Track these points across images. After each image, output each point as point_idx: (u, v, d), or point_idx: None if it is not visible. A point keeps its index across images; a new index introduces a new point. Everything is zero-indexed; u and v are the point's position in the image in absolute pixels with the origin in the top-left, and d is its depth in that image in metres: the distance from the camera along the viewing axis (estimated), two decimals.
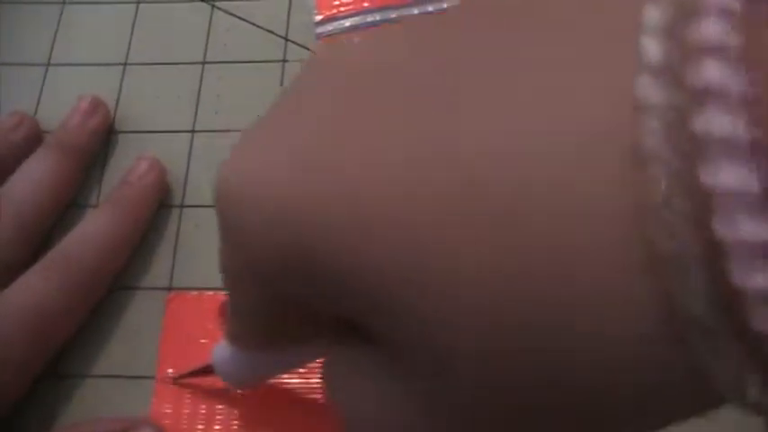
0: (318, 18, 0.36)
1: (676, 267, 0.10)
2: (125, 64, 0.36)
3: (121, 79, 0.36)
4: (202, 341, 0.29)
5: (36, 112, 0.35)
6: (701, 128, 0.09)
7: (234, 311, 0.19)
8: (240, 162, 0.15)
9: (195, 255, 0.31)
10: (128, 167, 0.32)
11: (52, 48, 0.37)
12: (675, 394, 0.11)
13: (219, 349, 0.23)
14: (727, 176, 0.09)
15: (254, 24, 0.37)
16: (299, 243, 0.13)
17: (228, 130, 0.34)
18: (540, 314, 0.11)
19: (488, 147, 0.11)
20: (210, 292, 0.30)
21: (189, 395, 0.29)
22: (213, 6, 0.37)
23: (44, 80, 0.36)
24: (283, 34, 0.36)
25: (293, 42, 0.36)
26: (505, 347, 0.11)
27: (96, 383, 0.29)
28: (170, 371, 0.29)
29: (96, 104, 0.34)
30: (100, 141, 0.34)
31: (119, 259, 0.30)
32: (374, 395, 0.14)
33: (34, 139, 0.33)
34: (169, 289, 0.31)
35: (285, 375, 0.28)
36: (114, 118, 0.35)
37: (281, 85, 0.35)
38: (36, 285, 0.28)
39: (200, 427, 0.28)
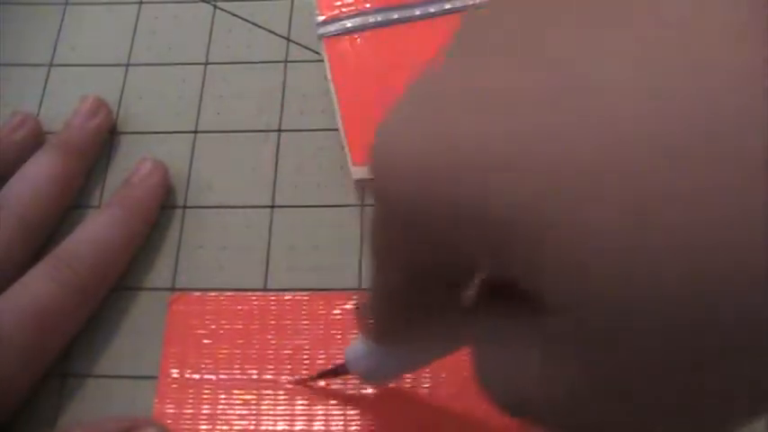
0: (320, 19, 0.36)
1: None
2: (127, 65, 0.36)
3: (124, 80, 0.36)
4: (205, 341, 0.30)
5: (39, 113, 0.35)
6: None
7: (375, 306, 0.20)
8: (400, 130, 0.15)
9: (198, 255, 0.31)
10: (130, 168, 0.32)
11: (55, 48, 0.37)
12: None
13: (353, 349, 0.24)
14: None
15: (256, 25, 0.37)
16: (471, 200, 0.13)
17: (231, 131, 0.34)
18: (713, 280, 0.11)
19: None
20: (213, 293, 0.31)
21: (191, 395, 0.29)
22: (215, 7, 0.37)
23: (47, 81, 0.36)
24: (285, 35, 0.36)
25: (295, 43, 0.36)
26: (682, 315, 0.11)
27: (99, 383, 0.29)
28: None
29: (98, 105, 0.34)
30: (102, 142, 0.34)
31: (121, 260, 0.31)
32: (531, 371, 0.14)
33: (36, 139, 0.33)
34: (172, 289, 0.31)
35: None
36: (117, 119, 0.35)
37: (284, 85, 0.35)
38: (38, 286, 0.28)
39: (202, 426, 0.28)
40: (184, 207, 0.33)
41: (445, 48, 0.15)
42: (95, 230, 0.30)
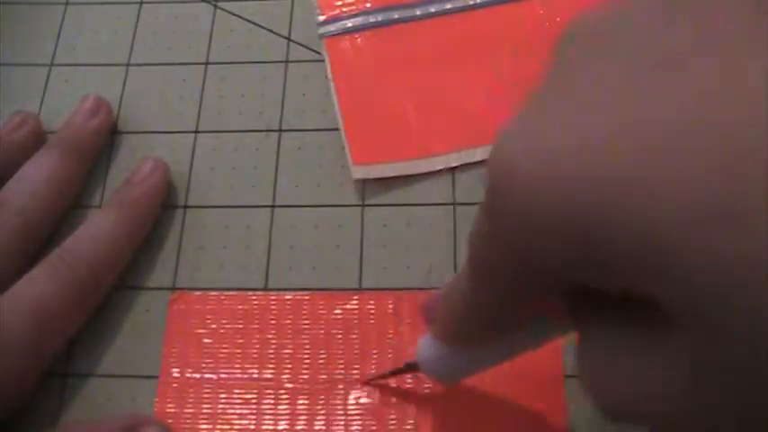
0: (321, 18, 0.36)
1: None
2: (128, 65, 0.36)
3: (125, 80, 0.36)
4: (206, 341, 0.30)
5: (39, 112, 0.35)
6: None
7: (458, 308, 0.20)
8: (527, 144, 0.14)
9: (198, 255, 0.32)
10: (131, 168, 0.32)
11: (55, 48, 0.37)
12: None
13: (425, 348, 0.24)
14: None
15: (256, 25, 0.37)
16: (591, 220, 0.13)
17: (231, 131, 0.34)
18: None
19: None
20: (214, 292, 0.31)
21: (192, 394, 0.29)
22: (216, 7, 0.37)
23: (47, 80, 0.36)
24: (286, 35, 0.36)
25: (296, 43, 0.36)
26: None
27: (100, 382, 0.29)
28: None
29: (99, 104, 0.34)
30: (103, 141, 0.34)
31: (122, 259, 0.31)
32: (638, 370, 0.14)
33: (37, 138, 0.33)
34: (173, 289, 0.31)
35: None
36: (117, 118, 0.35)
37: (284, 85, 0.35)
38: (39, 285, 0.28)
39: (203, 426, 0.28)
40: (185, 207, 0.33)
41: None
42: (96, 230, 0.30)
